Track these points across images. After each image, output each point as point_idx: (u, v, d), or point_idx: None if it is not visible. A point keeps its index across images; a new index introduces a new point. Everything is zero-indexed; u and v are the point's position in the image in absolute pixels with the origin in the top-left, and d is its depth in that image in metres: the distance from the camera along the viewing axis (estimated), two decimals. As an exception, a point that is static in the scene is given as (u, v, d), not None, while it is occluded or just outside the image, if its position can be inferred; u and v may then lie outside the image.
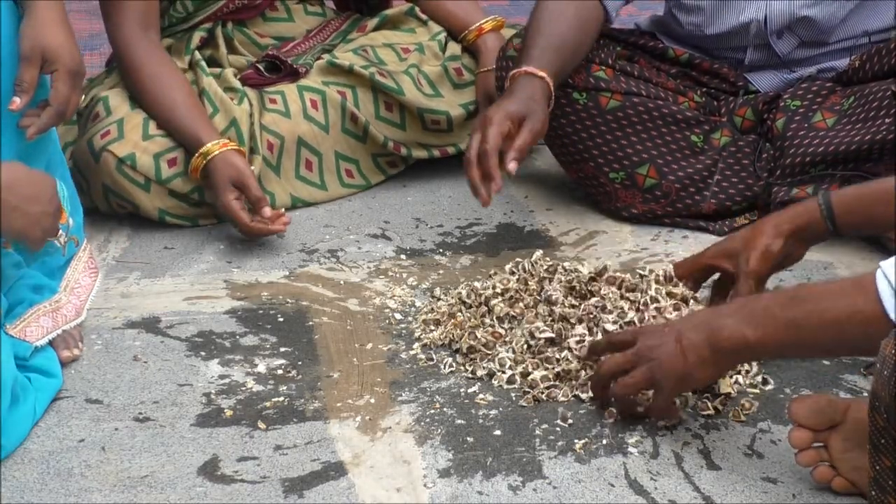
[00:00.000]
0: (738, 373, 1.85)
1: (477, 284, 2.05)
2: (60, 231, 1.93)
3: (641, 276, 1.94)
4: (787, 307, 1.54)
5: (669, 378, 1.64)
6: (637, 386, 1.69)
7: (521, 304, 1.95)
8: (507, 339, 1.91)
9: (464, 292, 2.04)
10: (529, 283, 2.00)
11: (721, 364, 1.63)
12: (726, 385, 1.81)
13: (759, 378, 1.86)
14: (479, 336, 1.92)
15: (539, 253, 2.07)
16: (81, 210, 2.18)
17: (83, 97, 2.52)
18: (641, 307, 1.87)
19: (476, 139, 2.13)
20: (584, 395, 1.81)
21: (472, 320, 1.96)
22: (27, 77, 1.81)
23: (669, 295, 1.89)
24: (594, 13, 2.35)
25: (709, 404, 1.78)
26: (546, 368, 1.84)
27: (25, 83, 1.81)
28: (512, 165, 2.13)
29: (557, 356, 1.85)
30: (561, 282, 1.96)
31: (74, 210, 2.13)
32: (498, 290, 1.99)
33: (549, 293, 1.93)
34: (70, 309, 2.00)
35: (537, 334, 1.87)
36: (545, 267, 2.02)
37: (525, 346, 1.88)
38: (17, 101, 1.81)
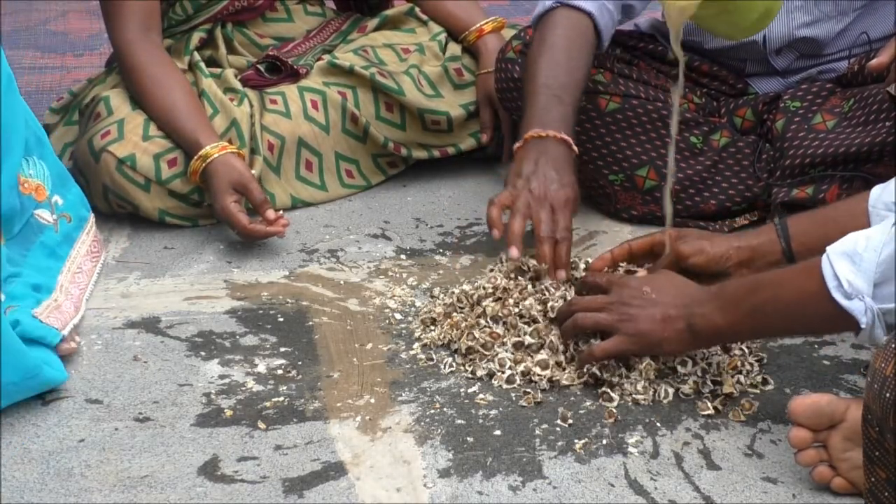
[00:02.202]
0: (740, 373, 1.85)
1: (466, 288, 2.05)
2: (42, 210, 1.93)
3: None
4: (750, 294, 1.67)
5: (641, 339, 1.77)
6: (600, 325, 1.81)
7: (510, 301, 1.95)
8: (505, 339, 1.91)
9: (457, 293, 2.03)
10: (520, 279, 2.00)
11: (698, 344, 1.78)
12: (729, 385, 1.81)
13: (759, 378, 1.86)
14: (476, 336, 1.92)
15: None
16: (77, 188, 2.18)
17: (86, 96, 2.52)
18: None
19: (545, 218, 2.05)
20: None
21: (468, 320, 1.96)
22: None
23: None
24: (592, 40, 2.29)
25: (709, 404, 1.79)
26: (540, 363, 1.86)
27: None
28: (563, 273, 2.04)
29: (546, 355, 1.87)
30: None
31: (63, 187, 2.13)
32: (489, 290, 1.98)
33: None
34: (69, 305, 2.00)
35: (526, 340, 1.88)
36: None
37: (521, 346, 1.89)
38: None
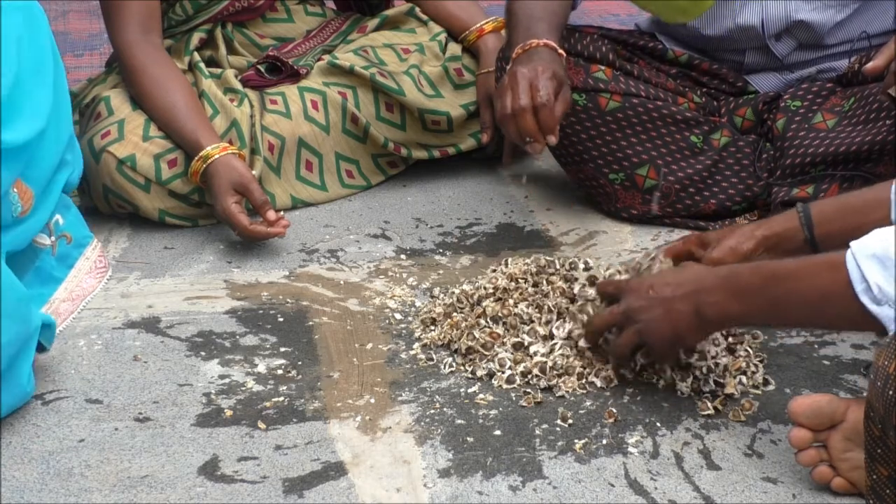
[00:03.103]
0: (743, 373, 1.85)
1: (466, 288, 2.05)
2: (42, 234, 1.93)
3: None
4: (767, 285, 1.62)
5: (658, 341, 1.75)
6: (627, 346, 1.79)
7: (510, 302, 1.94)
8: (505, 339, 1.91)
9: (457, 293, 2.03)
10: (521, 282, 1.99)
11: (709, 329, 1.76)
12: (731, 386, 1.81)
13: (761, 379, 1.86)
14: (476, 336, 1.92)
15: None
16: (76, 208, 2.17)
17: (86, 96, 2.52)
18: None
19: (523, 88, 2.11)
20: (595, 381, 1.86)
21: (469, 320, 1.95)
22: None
23: None
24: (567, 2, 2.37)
25: (709, 404, 1.79)
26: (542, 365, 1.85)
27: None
28: (553, 138, 2.13)
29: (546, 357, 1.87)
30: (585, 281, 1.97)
31: (64, 206, 2.12)
32: (489, 290, 1.99)
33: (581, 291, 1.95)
34: (65, 308, 2.01)
35: (530, 347, 1.88)
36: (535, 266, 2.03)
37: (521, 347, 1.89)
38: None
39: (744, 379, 1.84)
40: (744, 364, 1.86)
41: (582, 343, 1.88)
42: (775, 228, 1.85)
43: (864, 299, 1.49)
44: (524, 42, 2.21)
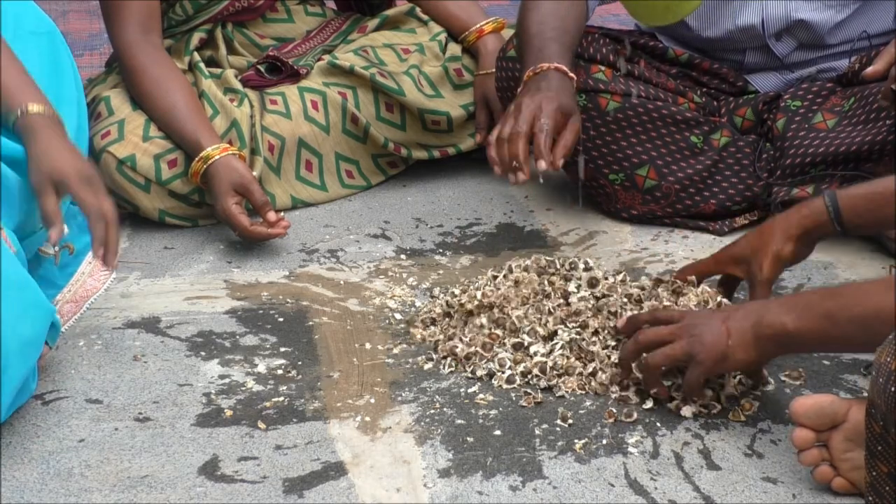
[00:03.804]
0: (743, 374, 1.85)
1: (456, 289, 2.04)
2: (47, 244, 1.94)
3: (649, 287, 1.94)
4: (824, 300, 1.62)
5: (709, 354, 1.68)
6: (673, 357, 1.72)
7: (508, 309, 1.94)
8: (505, 339, 1.90)
9: (458, 294, 2.02)
10: (520, 285, 1.99)
11: (763, 350, 1.67)
12: (731, 386, 1.81)
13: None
14: (476, 340, 1.91)
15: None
16: (80, 217, 2.19)
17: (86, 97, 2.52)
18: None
19: (524, 118, 2.08)
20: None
21: (467, 326, 1.95)
22: (48, 209, 1.81)
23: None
24: (582, 10, 2.35)
25: (716, 404, 1.79)
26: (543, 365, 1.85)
27: (50, 215, 1.81)
28: (561, 163, 2.11)
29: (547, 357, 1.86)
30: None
31: (69, 215, 2.14)
32: (487, 300, 1.97)
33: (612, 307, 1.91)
34: (68, 309, 2.01)
35: (525, 340, 1.88)
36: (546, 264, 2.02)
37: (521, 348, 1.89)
38: (54, 235, 1.82)
39: (743, 379, 1.84)
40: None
41: (615, 354, 1.84)
42: (806, 224, 1.84)
43: None
44: (535, 65, 2.19)
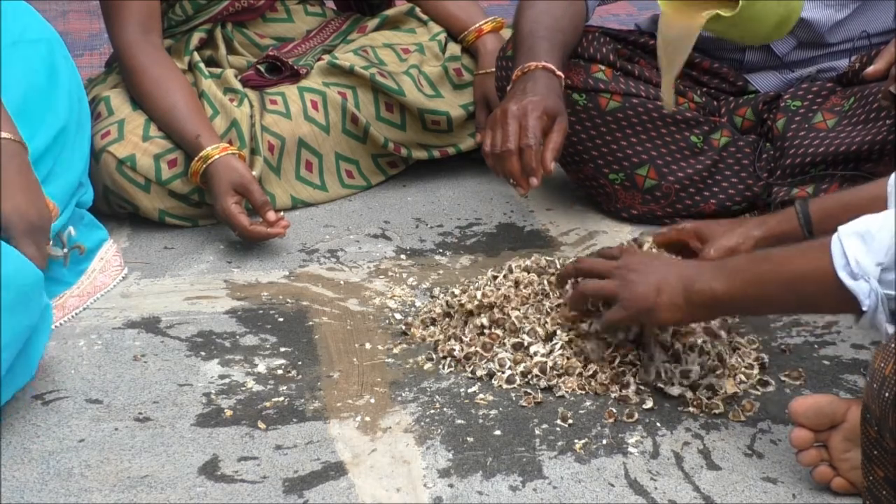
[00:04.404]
0: (743, 373, 1.85)
1: (456, 289, 2.04)
2: (55, 247, 1.95)
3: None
4: (753, 264, 1.63)
5: (635, 303, 1.72)
6: (601, 291, 1.78)
7: (508, 309, 1.94)
8: (505, 340, 1.90)
9: (458, 295, 2.02)
10: (520, 285, 1.99)
11: (691, 313, 1.70)
12: (731, 385, 1.81)
13: (756, 378, 1.86)
14: (476, 340, 1.91)
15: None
16: (87, 216, 2.20)
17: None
18: None
19: (512, 130, 2.10)
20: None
21: (467, 326, 1.95)
22: (26, 253, 1.81)
23: None
24: (580, 10, 2.35)
25: (718, 402, 1.79)
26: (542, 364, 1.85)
27: (30, 259, 1.80)
28: (553, 166, 2.12)
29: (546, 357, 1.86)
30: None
31: (78, 218, 2.15)
32: (487, 300, 1.97)
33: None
34: (72, 303, 2.02)
35: (525, 340, 1.88)
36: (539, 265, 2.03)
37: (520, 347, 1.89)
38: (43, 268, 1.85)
39: (743, 378, 1.84)
40: (744, 363, 1.86)
41: (549, 282, 1.90)
42: (774, 229, 1.85)
43: (842, 274, 1.51)
44: (524, 64, 2.21)
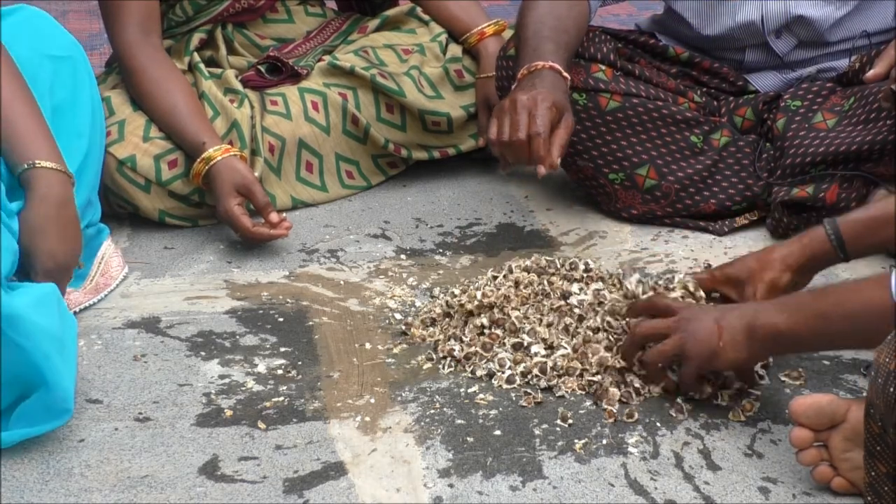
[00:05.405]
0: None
1: (456, 289, 2.04)
2: None
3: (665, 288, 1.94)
4: (816, 299, 1.63)
5: (699, 351, 1.70)
6: (665, 354, 1.75)
7: (508, 309, 1.94)
8: (505, 340, 1.90)
9: (458, 295, 2.02)
10: (520, 285, 1.99)
11: (754, 351, 1.69)
12: (732, 386, 1.81)
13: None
14: (476, 340, 1.91)
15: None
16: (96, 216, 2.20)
17: None
18: None
19: (522, 118, 2.10)
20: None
21: (467, 326, 1.95)
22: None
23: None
24: (583, 11, 2.35)
25: (725, 395, 1.79)
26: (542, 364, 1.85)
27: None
28: (559, 161, 2.12)
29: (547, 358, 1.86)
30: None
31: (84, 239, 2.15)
32: (487, 300, 1.97)
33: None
34: (74, 297, 2.02)
35: (525, 340, 1.88)
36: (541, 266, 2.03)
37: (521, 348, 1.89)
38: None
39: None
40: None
41: (613, 357, 1.84)
42: (807, 254, 1.86)
43: None
44: (530, 63, 2.20)
